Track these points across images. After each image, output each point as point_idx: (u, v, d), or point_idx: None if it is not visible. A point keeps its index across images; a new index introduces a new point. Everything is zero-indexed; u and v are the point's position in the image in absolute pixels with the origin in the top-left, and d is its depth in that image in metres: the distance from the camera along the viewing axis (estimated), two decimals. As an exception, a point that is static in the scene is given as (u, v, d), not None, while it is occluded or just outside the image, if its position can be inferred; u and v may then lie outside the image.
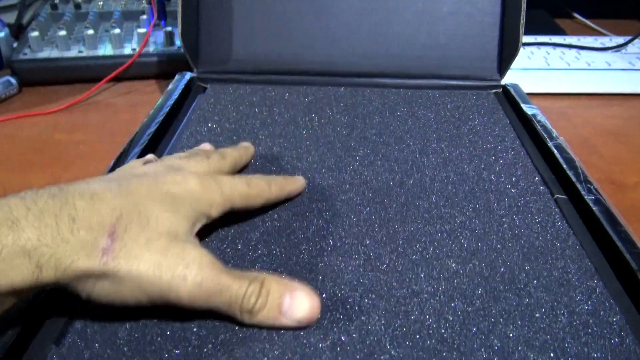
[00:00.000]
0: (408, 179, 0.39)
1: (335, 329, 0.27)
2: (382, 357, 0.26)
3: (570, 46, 0.72)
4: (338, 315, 0.28)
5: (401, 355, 0.26)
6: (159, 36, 0.65)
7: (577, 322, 0.28)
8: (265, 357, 0.25)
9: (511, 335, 0.27)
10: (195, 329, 0.27)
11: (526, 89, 0.54)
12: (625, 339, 0.27)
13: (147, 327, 0.27)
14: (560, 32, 0.81)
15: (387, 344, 0.26)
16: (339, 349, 0.26)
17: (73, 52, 0.61)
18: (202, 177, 0.30)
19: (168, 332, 0.26)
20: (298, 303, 0.26)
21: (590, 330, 0.27)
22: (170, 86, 0.51)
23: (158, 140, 0.43)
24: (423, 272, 0.31)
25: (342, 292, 0.29)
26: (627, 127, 0.57)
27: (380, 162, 0.41)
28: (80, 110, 0.56)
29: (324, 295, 0.29)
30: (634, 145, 0.53)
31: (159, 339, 0.26)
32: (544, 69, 0.66)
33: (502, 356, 0.26)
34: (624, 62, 0.68)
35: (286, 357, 0.25)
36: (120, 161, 0.39)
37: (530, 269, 0.31)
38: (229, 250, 0.32)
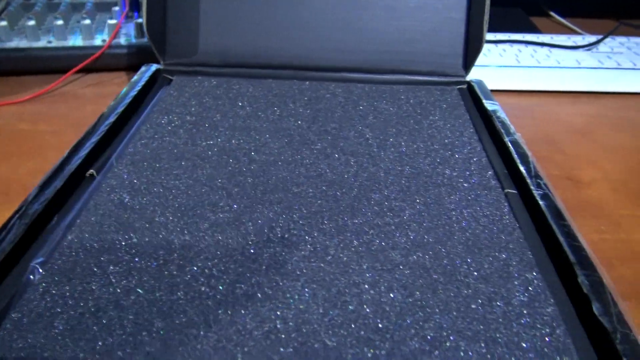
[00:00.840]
0: (363, 172, 0.40)
1: (272, 316, 0.27)
2: (315, 345, 0.26)
3: (542, 44, 0.73)
4: (277, 304, 0.28)
5: (335, 344, 0.26)
6: (131, 28, 0.65)
7: (512, 312, 0.28)
8: (199, 344, 0.26)
9: (445, 325, 0.27)
10: (131, 317, 0.27)
11: (496, 86, 0.55)
12: (556, 329, 0.27)
13: (83, 317, 0.27)
14: (534, 30, 0.82)
15: (322, 333, 0.27)
16: (273, 337, 0.26)
17: (42, 43, 0.61)
18: None
19: (104, 321, 0.27)
20: None
21: (523, 321, 0.28)
22: (135, 77, 0.51)
23: (116, 132, 0.43)
24: (366, 264, 0.31)
25: (284, 281, 0.30)
26: (592, 125, 0.57)
27: (337, 156, 0.42)
28: (46, 101, 0.56)
29: (265, 285, 0.29)
30: (597, 143, 0.54)
31: (94, 327, 0.26)
32: (515, 66, 0.67)
33: (433, 345, 0.26)
34: (594, 60, 0.69)
35: (221, 344, 0.26)
36: (75, 152, 0.39)
37: (472, 261, 0.32)
38: (175, 240, 0.32)
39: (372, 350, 0.26)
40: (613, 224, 0.42)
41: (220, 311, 0.27)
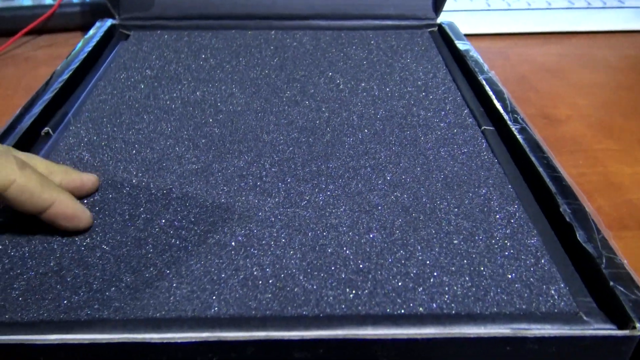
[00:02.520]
0: (335, 117, 0.38)
1: (248, 264, 0.26)
2: (295, 290, 0.25)
3: (511, -14, 0.71)
4: (252, 251, 0.27)
5: (314, 287, 0.25)
6: (82, -15, 0.62)
7: (495, 245, 0.27)
8: (172, 296, 0.24)
9: (428, 262, 0.26)
10: (98, 274, 0.25)
11: (467, 30, 0.54)
12: (541, 259, 0.27)
13: (45, 277, 0.25)
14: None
15: (301, 277, 0.25)
16: (250, 283, 0.25)
17: (-13, 4, 0.57)
18: None
19: (68, 279, 0.25)
20: None
21: (507, 253, 0.27)
22: (89, 32, 0.48)
23: (71, 89, 0.41)
24: (343, 207, 0.30)
25: (258, 228, 0.28)
26: (563, 64, 0.57)
27: (308, 102, 0.40)
28: (-4, 64, 0.52)
29: (238, 233, 0.28)
30: (569, 81, 0.53)
31: (58, 286, 0.25)
32: (485, 9, 0.65)
33: (417, 282, 0.25)
34: (564, 0, 0.68)
35: (195, 295, 0.24)
36: (28, 110, 0.36)
37: (452, 198, 0.31)
38: (141, 195, 0.31)
39: (354, 291, 0.25)
40: (590, 158, 0.41)
41: (192, 262, 0.26)
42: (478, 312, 0.24)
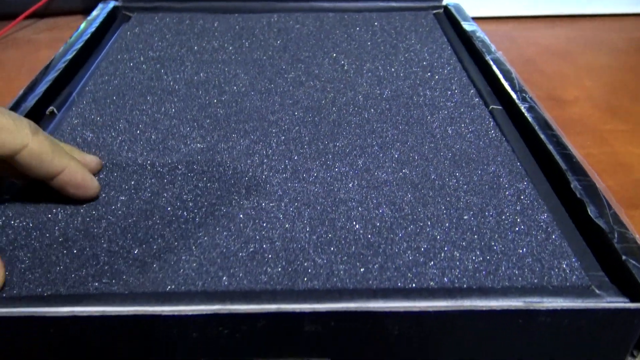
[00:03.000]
0: (341, 97, 0.38)
1: (257, 237, 0.26)
2: (305, 264, 0.24)
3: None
4: (261, 224, 0.26)
5: (325, 261, 0.25)
6: (83, -31, 0.61)
7: (505, 221, 0.27)
8: (180, 268, 0.24)
9: (438, 237, 0.26)
10: (105, 245, 0.25)
11: (473, 13, 0.53)
12: (552, 234, 0.26)
13: (51, 248, 0.25)
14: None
15: (311, 251, 0.25)
16: (259, 257, 0.25)
17: (-13, -13, 0.56)
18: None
19: (74, 251, 0.25)
20: None
21: (517, 229, 0.27)
22: (92, 14, 0.48)
23: (75, 70, 0.40)
24: (351, 183, 0.30)
25: (266, 202, 0.28)
26: (571, 47, 0.56)
27: (312, 83, 0.40)
28: (-3, 48, 0.52)
29: (246, 206, 0.28)
30: (576, 63, 0.53)
31: (65, 259, 0.24)
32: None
33: (427, 257, 0.25)
34: (569, -16, 0.67)
35: (204, 269, 0.24)
36: (32, 89, 0.36)
37: (460, 175, 0.30)
38: (146, 172, 0.30)
39: (364, 266, 0.24)
40: (597, 139, 0.41)
41: (200, 234, 0.26)
42: (490, 285, 0.24)
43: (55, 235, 0.25)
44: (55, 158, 0.26)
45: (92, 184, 0.28)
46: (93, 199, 0.28)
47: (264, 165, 0.31)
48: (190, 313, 0.22)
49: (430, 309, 0.22)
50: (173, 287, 0.23)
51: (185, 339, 0.22)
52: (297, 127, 0.35)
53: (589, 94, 0.47)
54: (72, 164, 0.27)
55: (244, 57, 0.43)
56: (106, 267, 0.24)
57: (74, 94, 0.38)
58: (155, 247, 0.25)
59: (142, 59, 0.42)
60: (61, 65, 0.39)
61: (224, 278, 0.23)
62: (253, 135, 0.34)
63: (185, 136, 0.34)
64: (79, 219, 0.26)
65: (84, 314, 0.21)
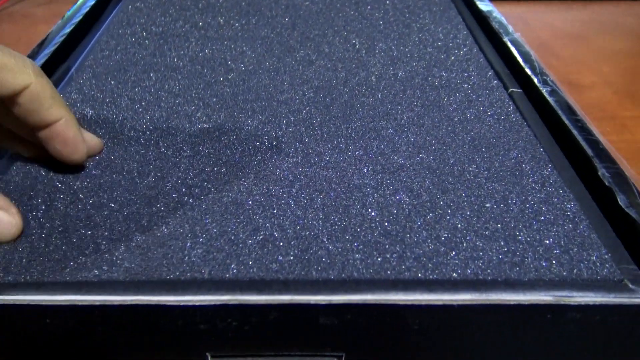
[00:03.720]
0: (352, 77, 0.36)
1: (267, 224, 0.24)
2: (318, 252, 0.23)
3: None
4: (271, 211, 0.25)
5: (340, 249, 0.23)
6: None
7: (530, 210, 0.26)
8: (186, 256, 0.22)
9: (459, 225, 0.25)
10: (106, 234, 0.23)
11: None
12: (580, 224, 0.25)
13: (50, 238, 0.23)
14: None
15: (325, 239, 0.24)
16: (270, 245, 0.23)
17: (-18, -42, 0.54)
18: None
19: (74, 240, 0.23)
20: None
21: (543, 218, 0.25)
22: (91, -12, 0.46)
23: (73, 44, 0.38)
24: (366, 167, 0.28)
25: (276, 187, 0.26)
26: (585, 30, 0.54)
27: (323, 62, 0.38)
28: (-8, 22, 0.50)
29: (255, 192, 0.26)
30: (591, 48, 0.51)
31: (64, 247, 0.23)
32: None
33: (449, 246, 0.24)
34: (583, -34, 0.65)
35: (211, 256, 0.22)
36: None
37: (481, 161, 0.29)
38: (149, 153, 0.29)
39: (382, 255, 0.23)
40: (618, 125, 0.39)
41: (207, 221, 0.24)
42: (516, 278, 0.22)
43: (55, 223, 0.24)
44: (54, 105, 0.24)
45: (81, 147, 0.26)
46: (76, 163, 0.26)
47: (274, 149, 0.29)
48: (197, 303, 0.20)
49: (455, 303, 0.21)
50: (177, 274, 0.22)
51: (191, 331, 0.21)
52: (307, 108, 0.33)
53: (606, 78, 0.45)
54: (68, 117, 0.25)
55: (251, 34, 0.41)
56: (106, 255, 0.22)
57: (72, 69, 0.36)
58: (159, 234, 0.23)
59: (144, 34, 0.41)
60: (59, 39, 0.37)
61: (232, 266, 0.22)
62: (261, 115, 0.32)
63: (190, 115, 0.32)
64: (79, 206, 0.25)
65: (84, 303, 0.20)
